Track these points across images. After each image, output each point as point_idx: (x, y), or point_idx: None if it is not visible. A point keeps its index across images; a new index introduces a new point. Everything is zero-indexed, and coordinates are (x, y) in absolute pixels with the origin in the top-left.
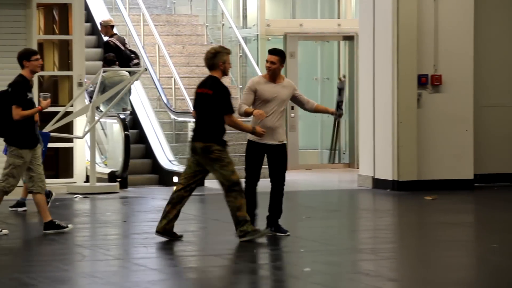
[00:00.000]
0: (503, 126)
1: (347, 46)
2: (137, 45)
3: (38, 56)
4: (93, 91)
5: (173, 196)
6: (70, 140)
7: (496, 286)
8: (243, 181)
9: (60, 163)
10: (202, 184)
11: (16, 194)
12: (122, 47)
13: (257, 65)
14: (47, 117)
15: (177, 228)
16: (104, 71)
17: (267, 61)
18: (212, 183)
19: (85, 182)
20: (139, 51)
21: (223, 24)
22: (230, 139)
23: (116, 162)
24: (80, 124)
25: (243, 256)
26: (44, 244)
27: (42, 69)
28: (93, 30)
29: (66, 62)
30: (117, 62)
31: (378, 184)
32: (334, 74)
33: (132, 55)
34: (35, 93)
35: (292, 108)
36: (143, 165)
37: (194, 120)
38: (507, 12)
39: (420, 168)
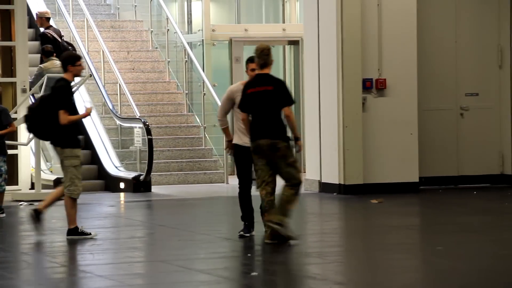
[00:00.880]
0: (447, 129)
1: (292, 50)
2: (81, 51)
3: (81, 61)
4: (33, 83)
5: (265, 205)
6: (14, 147)
7: None
8: (237, 186)
9: None
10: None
11: None
12: (59, 39)
13: (203, 70)
14: None
15: (124, 234)
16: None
17: (252, 69)
18: (159, 189)
19: (30, 189)
20: (84, 57)
21: (168, 30)
22: (176, 144)
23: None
24: (24, 131)
25: (190, 262)
26: None
27: None
28: (36, 36)
29: (9, 68)
30: (54, 54)
31: (325, 188)
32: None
33: (69, 47)
34: None
35: None
36: (89, 171)
37: (243, 120)
38: (450, 17)
39: (366, 172)
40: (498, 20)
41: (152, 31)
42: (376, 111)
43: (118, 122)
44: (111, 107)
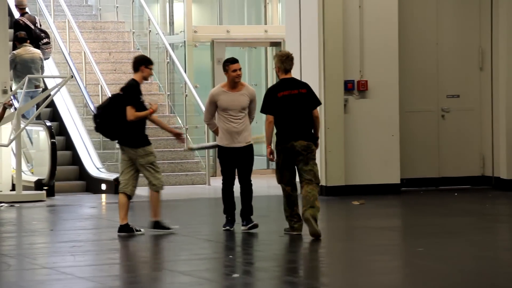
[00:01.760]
0: (428, 131)
1: (274, 52)
2: (63, 52)
3: (152, 66)
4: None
5: (293, 199)
6: None
7: None
8: (218, 187)
9: None
10: None
11: None
12: (32, 26)
13: (185, 71)
14: None
15: (105, 235)
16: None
17: (234, 70)
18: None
19: (11, 190)
20: (65, 58)
21: (149, 31)
22: (158, 145)
23: (43, 170)
24: (5, 132)
25: (171, 263)
26: None
27: None
28: (11, 24)
29: None
30: (28, 40)
31: None
32: (262, 79)
33: (42, 34)
34: None
35: None
36: (70, 171)
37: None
38: (431, 19)
39: (347, 173)
40: (479, 23)
41: (134, 32)
42: (358, 112)
43: None
44: (92, 108)
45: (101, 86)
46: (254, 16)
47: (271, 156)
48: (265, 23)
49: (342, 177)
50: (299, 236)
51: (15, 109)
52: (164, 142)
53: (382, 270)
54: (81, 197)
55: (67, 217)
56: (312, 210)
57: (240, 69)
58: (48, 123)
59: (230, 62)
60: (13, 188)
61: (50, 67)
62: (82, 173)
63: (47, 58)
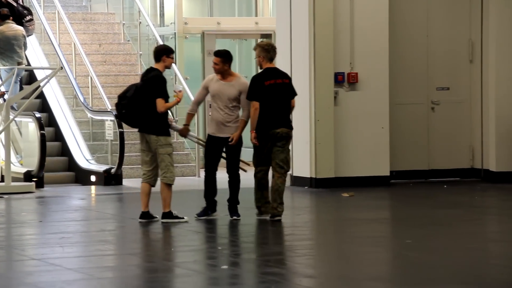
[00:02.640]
0: (418, 123)
1: None
2: (52, 43)
3: (173, 55)
4: None
5: (263, 182)
6: None
7: (411, 281)
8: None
9: None
10: None
11: None
12: (15, 4)
13: (175, 63)
14: None
15: (95, 227)
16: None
17: (214, 62)
18: (130, 182)
19: (0, 182)
20: (55, 49)
21: (140, 22)
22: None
23: (32, 162)
24: None
25: (160, 255)
26: None
27: None
28: None
29: None
30: (11, 17)
31: (296, 181)
32: (252, 72)
33: (25, 11)
34: None
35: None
36: (59, 162)
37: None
38: (421, 11)
39: (337, 166)
40: (469, 15)
41: (124, 23)
42: (348, 105)
43: (89, 115)
44: (82, 99)
45: (91, 77)
46: (245, 8)
47: (255, 140)
48: (256, 15)
49: (332, 169)
50: (270, 221)
51: (4, 100)
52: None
53: (371, 262)
54: (70, 189)
55: (56, 209)
56: (281, 207)
57: (217, 63)
58: (38, 115)
59: (214, 54)
60: (2, 180)
61: (39, 58)
62: (72, 165)
63: (30, 35)
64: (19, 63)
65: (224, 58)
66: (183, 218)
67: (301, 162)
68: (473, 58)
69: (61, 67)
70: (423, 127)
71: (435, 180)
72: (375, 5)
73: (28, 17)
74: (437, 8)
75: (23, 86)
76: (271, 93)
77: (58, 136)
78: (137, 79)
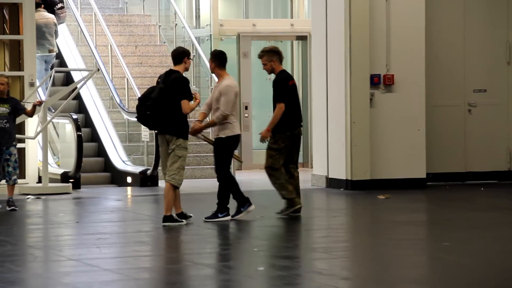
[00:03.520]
0: (455, 126)
1: (300, 46)
2: (89, 45)
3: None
4: None
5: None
6: (22, 140)
7: (448, 284)
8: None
9: None
10: None
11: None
12: None
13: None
14: None
15: (131, 228)
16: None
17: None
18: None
19: (37, 183)
20: (92, 51)
21: (176, 24)
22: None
23: (69, 163)
24: (32, 125)
25: (197, 256)
26: None
27: None
28: None
29: (17, 62)
30: (42, 5)
31: (332, 183)
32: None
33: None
34: None
35: (246, 108)
36: (96, 163)
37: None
38: (458, 13)
39: (373, 168)
40: (507, 17)
41: (160, 25)
42: (384, 107)
43: (125, 116)
44: (118, 101)
45: (127, 79)
46: (280, 10)
47: (265, 140)
48: (291, 17)
49: (368, 171)
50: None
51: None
52: (190, 136)
53: (407, 265)
54: (106, 190)
55: (93, 210)
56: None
57: (210, 64)
58: (74, 116)
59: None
60: (40, 181)
61: (76, 60)
62: (108, 165)
63: (62, 23)
64: (50, 51)
65: (214, 59)
66: (182, 221)
67: (337, 164)
68: (510, 60)
69: (98, 69)
70: (460, 129)
71: (472, 182)
72: (411, 6)
73: (59, 5)
74: (474, 10)
75: (60, 87)
76: (294, 93)
77: (95, 137)
78: None
